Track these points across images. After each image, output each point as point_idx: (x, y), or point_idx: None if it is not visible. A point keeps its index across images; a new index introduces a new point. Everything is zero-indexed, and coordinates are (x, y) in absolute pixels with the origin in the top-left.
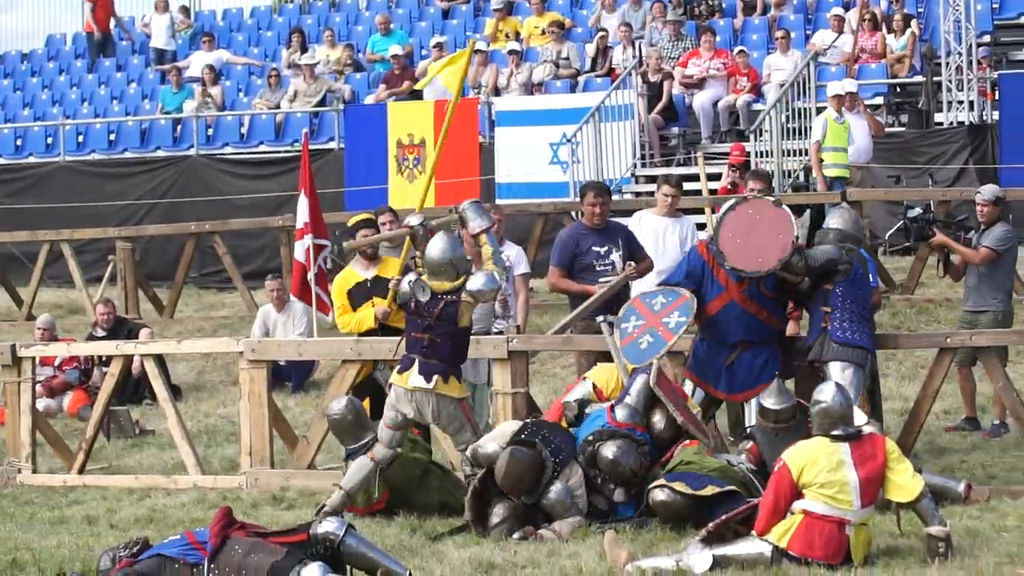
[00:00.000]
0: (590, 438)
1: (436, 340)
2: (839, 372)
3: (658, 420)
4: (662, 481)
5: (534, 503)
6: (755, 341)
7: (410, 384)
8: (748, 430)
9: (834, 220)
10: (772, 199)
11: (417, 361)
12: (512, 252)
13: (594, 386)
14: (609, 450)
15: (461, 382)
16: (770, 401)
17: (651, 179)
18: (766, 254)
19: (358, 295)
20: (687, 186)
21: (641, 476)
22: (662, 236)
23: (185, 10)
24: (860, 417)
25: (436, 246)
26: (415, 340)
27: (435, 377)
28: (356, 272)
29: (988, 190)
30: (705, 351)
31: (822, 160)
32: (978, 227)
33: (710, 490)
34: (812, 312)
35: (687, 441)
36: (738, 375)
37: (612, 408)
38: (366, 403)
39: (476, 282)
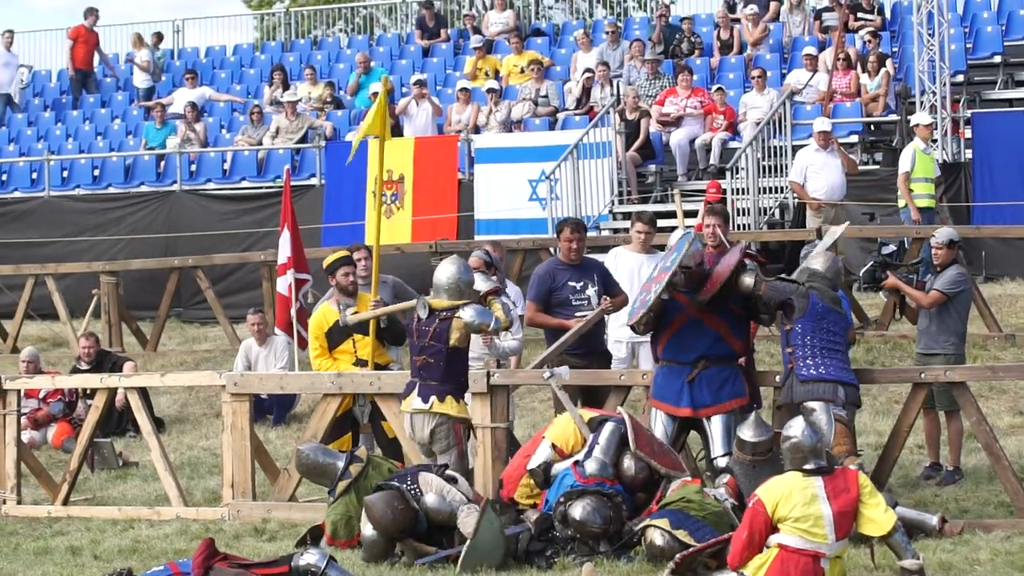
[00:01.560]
0: (561, 499)
1: (429, 361)
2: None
3: (628, 466)
4: (665, 524)
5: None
6: (715, 358)
7: (410, 407)
8: (714, 462)
9: (814, 262)
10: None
11: (417, 384)
12: (512, 292)
13: (553, 446)
14: (577, 511)
15: (460, 402)
16: (748, 434)
17: (629, 216)
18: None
19: (336, 334)
20: (665, 223)
21: (616, 529)
22: (637, 272)
23: (158, 36)
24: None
25: (446, 269)
26: (414, 363)
27: (432, 398)
28: (334, 310)
29: (943, 233)
30: (665, 374)
31: (911, 190)
32: (934, 269)
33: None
34: (783, 356)
35: (688, 478)
36: (700, 391)
37: (576, 464)
38: (347, 439)
39: (467, 313)
